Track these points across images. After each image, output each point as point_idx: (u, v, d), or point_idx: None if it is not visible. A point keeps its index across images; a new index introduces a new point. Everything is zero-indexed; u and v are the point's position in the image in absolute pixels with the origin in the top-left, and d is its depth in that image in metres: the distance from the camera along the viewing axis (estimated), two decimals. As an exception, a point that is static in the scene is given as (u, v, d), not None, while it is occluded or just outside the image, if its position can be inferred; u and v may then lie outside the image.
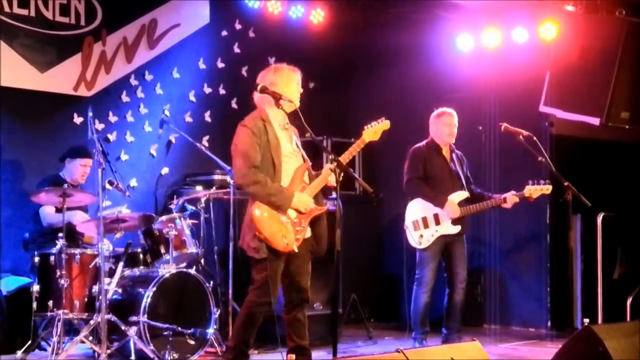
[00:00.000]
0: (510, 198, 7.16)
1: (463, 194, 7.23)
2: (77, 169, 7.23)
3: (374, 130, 5.90)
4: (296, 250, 5.58)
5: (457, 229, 7.18)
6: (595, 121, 8.12)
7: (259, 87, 5.62)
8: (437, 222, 7.15)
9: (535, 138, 6.98)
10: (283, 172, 5.64)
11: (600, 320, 8.02)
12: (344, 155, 5.71)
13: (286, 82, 5.71)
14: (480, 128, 9.40)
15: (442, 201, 7.14)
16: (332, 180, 5.71)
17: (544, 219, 9.00)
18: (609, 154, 9.18)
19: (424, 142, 7.38)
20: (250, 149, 5.55)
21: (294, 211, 5.60)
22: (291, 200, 5.56)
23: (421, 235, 7.16)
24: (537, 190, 7.13)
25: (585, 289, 8.88)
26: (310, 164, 5.84)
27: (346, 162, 5.53)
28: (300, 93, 5.77)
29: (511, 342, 8.27)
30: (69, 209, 6.67)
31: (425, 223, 7.17)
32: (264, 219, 5.51)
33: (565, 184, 6.83)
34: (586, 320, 7.45)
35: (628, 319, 8.08)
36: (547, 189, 7.13)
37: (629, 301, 8.33)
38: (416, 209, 7.23)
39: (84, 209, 7.28)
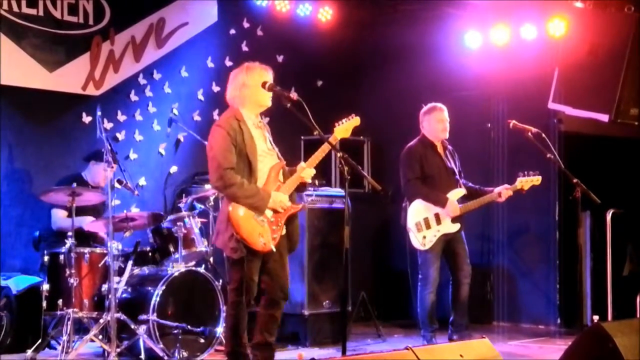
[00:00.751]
0: (504, 192, 7.17)
1: (460, 192, 7.23)
2: (101, 173, 7.20)
3: (345, 127, 5.95)
4: (274, 250, 5.62)
5: (457, 227, 7.20)
6: (605, 118, 8.10)
7: (267, 85, 5.62)
8: (439, 222, 7.15)
9: (544, 135, 6.97)
10: (259, 172, 5.67)
11: (610, 317, 8.00)
12: (315, 155, 5.76)
13: (257, 81, 5.70)
14: (489, 125, 9.39)
15: (443, 201, 7.13)
16: (306, 177, 5.79)
17: (553, 216, 8.98)
18: (618, 151, 9.16)
19: (416, 140, 7.35)
20: (225, 150, 5.58)
21: (270, 210, 5.64)
22: (268, 200, 5.60)
23: (424, 237, 7.16)
24: (528, 181, 7.14)
25: (594, 286, 8.86)
26: (285, 162, 5.87)
27: (318, 161, 5.72)
28: (295, 99, 5.72)
29: (521, 339, 8.25)
30: (79, 208, 6.67)
31: (427, 224, 7.17)
32: (241, 219, 5.54)
33: (575, 181, 6.81)
34: (596, 317, 7.43)
35: (638, 315, 8.05)
36: (537, 179, 7.15)
37: (639, 298, 8.31)
38: (418, 211, 7.21)
39: (98, 210, 7.29)
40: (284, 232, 5.76)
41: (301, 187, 5.93)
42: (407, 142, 7.50)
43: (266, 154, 5.76)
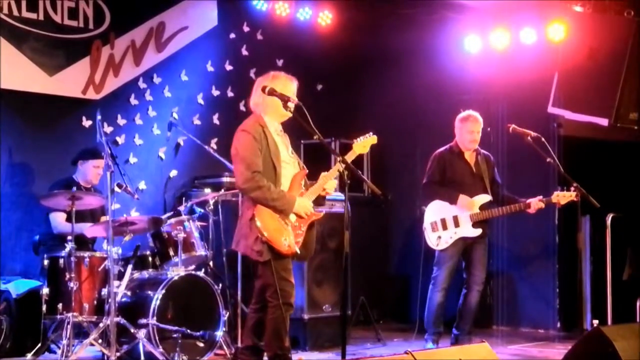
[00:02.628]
0: (536, 203, 7.10)
1: (485, 197, 7.19)
2: (91, 171, 7.25)
3: (363, 144, 6.02)
4: (298, 252, 5.62)
5: (477, 232, 7.16)
6: (604, 122, 8.11)
7: (267, 89, 5.64)
8: (457, 225, 7.15)
9: (543, 139, 6.98)
10: (283, 178, 5.70)
11: (609, 322, 8.00)
12: (334, 167, 5.77)
13: (282, 90, 5.71)
14: (489, 129, 9.38)
15: (455, 197, 7.13)
16: (328, 189, 5.82)
17: (553, 220, 8.98)
18: (618, 155, 9.15)
19: (447, 146, 7.34)
20: (252, 154, 5.59)
21: (294, 215, 5.66)
22: (293, 204, 5.62)
23: (439, 237, 7.16)
24: (565, 196, 7.05)
25: (594, 290, 8.85)
26: (307, 171, 5.89)
27: (338, 173, 5.72)
28: (295, 103, 5.74)
29: (520, 343, 8.25)
30: (79, 212, 6.67)
31: (444, 225, 7.18)
32: (266, 221, 5.55)
33: (574, 185, 6.81)
34: (595, 322, 7.42)
35: (638, 319, 8.05)
36: (573, 195, 7.03)
37: (638, 302, 8.30)
38: (435, 211, 7.23)
39: (97, 214, 7.29)
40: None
41: (320, 200, 5.92)
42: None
43: (289, 162, 5.78)
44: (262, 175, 5.58)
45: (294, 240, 5.64)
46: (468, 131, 7.25)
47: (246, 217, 5.66)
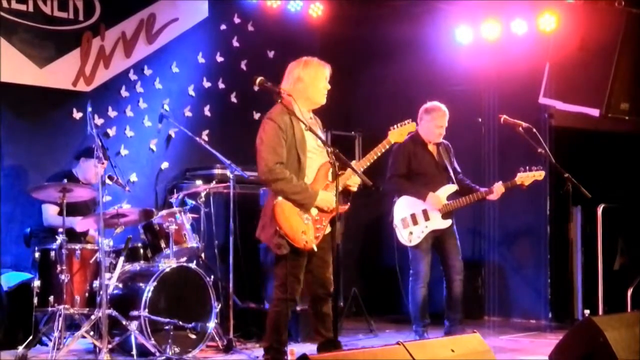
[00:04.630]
0: (498, 188, 7.09)
1: (451, 188, 7.19)
2: (91, 169, 7.18)
3: (400, 131, 5.96)
4: (315, 249, 5.52)
5: (447, 223, 7.16)
6: (595, 112, 8.11)
7: (258, 80, 5.54)
8: (427, 218, 7.13)
9: (535, 130, 6.97)
10: (308, 168, 5.58)
11: (601, 311, 8.03)
12: (368, 155, 5.75)
13: (313, 77, 5.66)
14: (480, 120, 9.41)
15: (424, 194, 7.11)
16: (352, 185, 5.70)
17: (544, 210, 9.00)
18: (609, 145, 9.18)
19: (408, 137, 7.30)
20: (276, 144, 5.47)
21: (315, 209, 5.57)
22: (315, 198, 5.52)
23: (411, 233, 7.14)
24: (529, 176, 7.06)
25: (585, 280, 8.88)
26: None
27: (369, 163, 5.67)
28: (327, 90, 5.71)
29: (512, 333, 8.28)
30: (72, 205, 6.66)
31: (414, 220, 7.15)
32: (285, 215, 5.46)
33: (565, 175, 6.82)
34: (587, 312, 7.47)
35: (629, 309, 8.08)
36: (539, 174, 7.07)
37: (629, 292, 8.34)
38: (404, 207, 7.20)
39: (88, 207, 7.27)
40: (327, 230, 5.65)
41: (345, 192, 5.78)
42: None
43: (316, 151, 5.65)
44: (284, 167, 5.48)
45: (314, 235, 5.52)
46: (436, 125, 7.18)
47: (268, 207, 5.57)
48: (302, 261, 5.56)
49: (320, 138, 5.56)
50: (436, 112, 7.21)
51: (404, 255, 7.44)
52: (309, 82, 5.66)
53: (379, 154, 5.80)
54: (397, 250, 7.55)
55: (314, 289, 5.70)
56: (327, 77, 5.74)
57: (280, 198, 5.48)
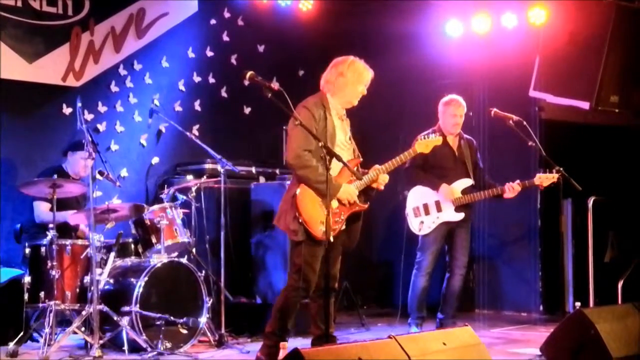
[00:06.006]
0: (513, 187, 7.10)
1: (467, 182, 7.20)
2: (79, 163, 7.22)
3: (426, 143, 6.17)
4: (331, 240, 5.49)
5: (460, 216, 7.16)
6: (585, 105, 8.14)
7: (248, 75, 5.49)
8: (439, 209, 7.15)
9: (525, 123, 6.99)
10: (334, 162, 5.57)
11: (591, 304, 8.05)
12: (393, 160, 5.89)
13: (355, 80, 5.75)
14: (470, 113, 9.38)
15: (437, 185, 7.13)
16: (381, 183, 5.83)
17: (535, 203, 9.02)
18: (599, 138, 9.19)
19: (430, 130, 7.31)
20: (307, 132, 5.51)
21: (336, 201, 5.63)
22: (337, 190, 5.60)
23: (422, 222, 7.17)
24: (548, 178, 7.03)
25: (576, 273, 8.91)
26: (361, 159, 5.88)
27: (391, 169, 5.82)
28: (363, 95, 5.81)
29: (503, 326, 8.30)
30: (60, 200, 6.65)
31: (426, 210, 7.18)
32: (306, 202, 5.55)
33: (556, 168, 6.83)
34: (578, 304, 7.46)
35: (619, 302, 8.10)
36: (556, 177, 7.03)
37: (620, 284, 8.35)
38: (417, 196, 7.23)
39: (79, 202, 7.26)
40: (344, 227, 5.74)
41: (369, 191, 5.88)
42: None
43: (343, 146, 5.77)
44: (312, 155, 5.56)
45: (331, 227, 5.50)
46: (451, 115, 7.23)
47: (290, 194, 5.66)
48: (319, 252, 5.60)
49: (350, 136, 5.79)
50: (451, 104, 7.26)
51: (408, 246, 7.44)
52: (350, 81, 5.78)
53: (403, 161, 6.01)
54: (405, 239, 7.57)
55: (319, 282, 5.73)
56: (367, 84, 5.86)
57: (303, 186, 5.56)
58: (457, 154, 7.28)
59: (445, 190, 7.12)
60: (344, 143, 5.76)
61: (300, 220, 5.53)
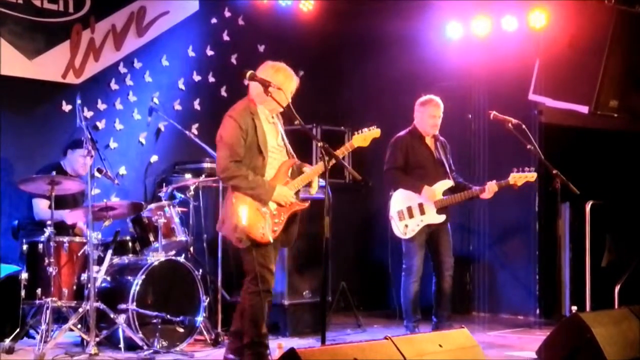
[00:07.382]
0: (490, 187, 7.11)
1: (447, 183, 7.22)
2: (78, 161, 7.21)
3: (364, 136, 6.04)
4: (271, 241, 5.62)
5: (442, 218, 7.18)
6: (584, 109, 8.14)
7: (248, 74, 5.58)
8: (422, 212, 7.15)
9: (524, 126, 6.98)
10: (268, 166, 5.69)
11: (588, 308, 8.05)
12: (313, 168, 5.85)
13: (281, 84, 5.67)
14: (470, 116, 9.41)
15: (419, 187, 7.13)
16: (312, 190, 5.90)
17: (533, 207, 9.02)
18: (598, 142, 9.20)
19: (406, 130, 7.34)
20: (235, 142, 5.59)
21: (274, 203, 5.67)
22: (272, 193, 5.63)
23: (406, 225, 7.16)
24: (522, 177, 7.08)
25: (573, 277, 8.91)
26: (296, 160, 5.87)
27: (333, 164, 5.61)
28: (289, 101, 5.70)
29: (500, 329, 8.30)
30: (59, 197, 6.64)
31: (410, 213, 7.17)
32: (243, 209, 5.57)
33: (554, 172, 6.83)
34: (574, 308, 7.45)
35: (616, 306, 8.10)
36: (532, 176, 7.09)
37: (617, 289, 8.37)
38: (400, 199, 7.22)
39: (77, 200, 7.26)
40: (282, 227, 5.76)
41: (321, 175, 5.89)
42: (389, 133, 7.47)
43: (276, 150, 5.78)
44: (240, 165, 5.59)
45: (272, 228, 5.64)
46: (430, 115, 7.24)
47: (228, 202, 5.68)
48: (270, 251, 5.67)
49: (283, 137, 5.78)
50: (430, 104, 7.26)
51: (395, 249, 7.44)
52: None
53: (343, 155, 5.86)
54: (390, 243, 7.55)
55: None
56: (293, 91, 5.80)
57: (237, 193, 5.60)
58: (435, 155, 7.29)
59: (427, 192, 7.12)
60: (275, 147, 5.77)
61: (240, 227, 5.54)
